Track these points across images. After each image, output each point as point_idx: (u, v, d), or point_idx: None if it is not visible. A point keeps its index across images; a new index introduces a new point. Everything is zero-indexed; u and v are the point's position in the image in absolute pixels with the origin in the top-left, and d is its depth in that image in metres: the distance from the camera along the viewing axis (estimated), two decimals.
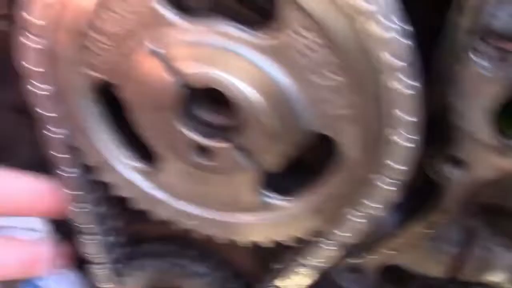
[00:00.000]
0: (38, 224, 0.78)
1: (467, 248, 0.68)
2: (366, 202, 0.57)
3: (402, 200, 0.69)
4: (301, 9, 0.47)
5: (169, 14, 0.50)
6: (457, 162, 0.59)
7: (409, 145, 0.53)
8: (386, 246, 0.69)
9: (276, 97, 0.52)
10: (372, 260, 0.70)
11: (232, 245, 0.73)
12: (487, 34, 0.52)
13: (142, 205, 0.65)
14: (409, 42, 0.48)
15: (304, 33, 0.48)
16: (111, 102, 0.59)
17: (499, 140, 0.56)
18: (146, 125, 0.58)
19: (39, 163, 0.74)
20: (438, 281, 0.76)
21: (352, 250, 0.71)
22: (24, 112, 0.69)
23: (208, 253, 0.76)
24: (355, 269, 0.72)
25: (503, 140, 0.56)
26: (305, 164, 0.63)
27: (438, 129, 0.59)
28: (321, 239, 0.62)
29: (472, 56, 0.53)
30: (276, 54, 0.50)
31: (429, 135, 0.63)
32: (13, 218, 0.77)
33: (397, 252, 0.69)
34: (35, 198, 0.67)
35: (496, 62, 0.53)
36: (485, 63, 0.53)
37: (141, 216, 0.73)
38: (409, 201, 0.69)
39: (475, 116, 0.56)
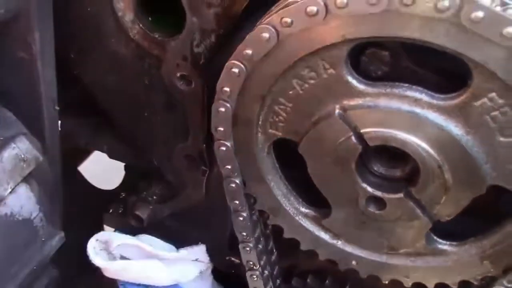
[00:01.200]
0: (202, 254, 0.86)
1: None
2: None
3: None
4: (492, 74, 0.48)
5: (356, 82, 0.54)
6: None
7: None
8: None
9: (455, 154, 0.54)
10: None
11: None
12: None
13: (308, 246, 0.70)
14: None
15: (497, 99, 0.49)
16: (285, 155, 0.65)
17: None
18: (322, 176, 0.62)
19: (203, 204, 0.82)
20: None
21: None
22: (194, 160, 0.77)
23: None
24: None
25: None
26: (475, 210, 0.64)
27: None
28: (490, 284, 0.63)
29: None
30: (461, 115, 0.52)
31: None
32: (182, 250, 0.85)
33: None
34: None
35: None
36: None
37: (294, 251, 0.77)
38: None
39: None
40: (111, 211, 0.91)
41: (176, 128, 0.76)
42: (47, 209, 0.72)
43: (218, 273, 0.98)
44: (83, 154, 1.27)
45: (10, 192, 0.65)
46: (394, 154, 0.59)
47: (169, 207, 0.85)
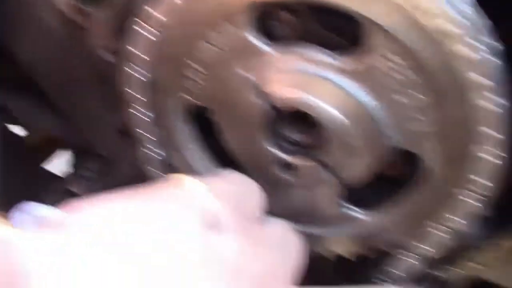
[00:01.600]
0: None
1: None
2: (449, 216, 0.58)
3: (492, 214, 0.68)
4: (389, 34, 0.49)
5: (260, 44, 0.55)
6: None
7: (496, 161, 0.53)
8: (473, 260, 0.68)
9: (361, 117, 0.55)
10: (458, 274, 0.70)
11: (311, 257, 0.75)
12: None
13: None
14: (498, 61, 0.49)
15: (391, 56, 0.51)
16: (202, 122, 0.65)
17: None
18: (235, 143, 0.62)
19: (137, 180, 0.81)
20: None
21: (437, 262, 0.71)
22: (126, 134, 0.77)
23: None
24: (439, 283, 0.72)
25: None
26: (387, 178, 0.64)
27: None
28: (402, 251, 0.63)
29: None
30: (362, 77, 0.53)
31: None
32: None
33: (485, 267, 0.68)
34: None
35: None
36: None
37: None
38: (500, 215, 0.68)
39: None
40: (50, 189, 0.91)
41: (108, 101, 0.76)
42: None
43: None
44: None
45: None
46: (305, 120, 0.60)
47: (104, 183, 0.85)
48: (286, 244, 0.55)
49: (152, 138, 0.66)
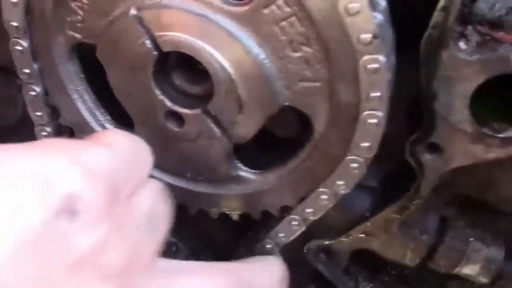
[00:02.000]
0: None
1: (439, 237, 0.67)
2: (334, 179, 0.57)
3: (376, 185, 0.69)
4: None
5: None
6: (433, 148, 0.58)
7: (378, 124, 0.52)
8: (357, 229, 0.68)
9: (247, 67, 0.52)
10: (344, 242, 0.70)
11: (209, 219, 0.73)
12: (472, 19, 0.52)
13: None
14: (387, 20, 0.48)
15: (284, 6, 0.48)
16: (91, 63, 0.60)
17: (474, 127, 0.55)
18: (121, 86, 0.58)
19: (21, 125, 0.75)
20: (413, 272, 0.75)
21: (326, 232, 0.71)
22: (8, 71, 0.71)
23: (181, 225, 0.76)
24: (328, 251, 0.72)
25: (478, 127, 0.55)
26: (277, 138, 0.63)
27: (419, 114, 0.58)
28: (287, 214, 0.62)
29: (454, 40, 0.52)
30: (252, 25, 0.50)
31: (411, 120, 0.63)
32: None
33: (368, 236, 0.69)
34: None
35: (477, 47, 0.52)
36: (466, 47, 0.52)
37: None
38: (384, 186, 0.69)
39: (452, 101, 0.55)
40: None
41: None
42: None
43: None
44: None
45: None
46: (195, 69, 0.57)
47: None
48: (154, 217, 0.50)
49: (29, 72, 0.60)
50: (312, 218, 0.60)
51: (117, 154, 0.47)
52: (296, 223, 0.62)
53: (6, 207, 0.38)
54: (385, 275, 0.76)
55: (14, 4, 0.55)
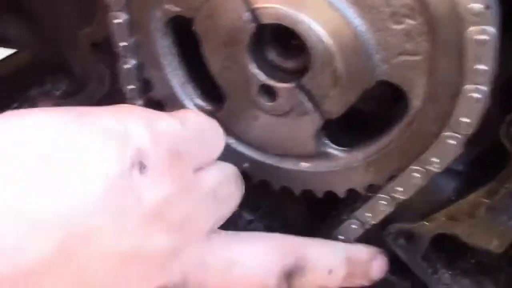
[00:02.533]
0: None
1: None
2: (427, 157, 0.56)
3: (463, 168, 0.67)
4: None
5: None
6: None
7: (481, 99, 0.51)
8: (441, 213, 0.67)
9: (346, 39, 0.52)
10: (426, 227, 0.69)
11: (286, 197, 0.73)
12: None
13: None
14: None
15: None
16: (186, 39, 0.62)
17: None
18: (216, 60, 0.59)
19: (107, 99, 0.78)
20: (492, 261, 0.73)
21: (408, 215, 0.70)
22: (99, 48, 0.73)
23: (258, 202, 0.77)
24: (408, 236, 0.71)
25: None
26: (367, 114, 0.62)
27: None
28: (374, 193, 0.62)
29: None
30: None
31: (507, 99, 0.61)
32: None
33: (452, 221, 0.67)
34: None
35: None
36: None
37: None
38: (472, 169, 0.67)
39: None
40: (15, 106, 0.86)
41: (83, 11, 0.71)
42: None
43: None
44: None
45: None
46: (290, 44, 0.57)
47: (71, 102, 0.80)
48: (219, 194, 0.54)
49: (126, 45, 0.62)
50: (401, 197, 0.60)
51: (187, 127, 0.52)
52: (385, 202, 0.61)
53: (92, 156, 0.42)
54: (464, 263, 0.74)
55: None
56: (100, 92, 0.77)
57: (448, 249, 0.73)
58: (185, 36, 0.61)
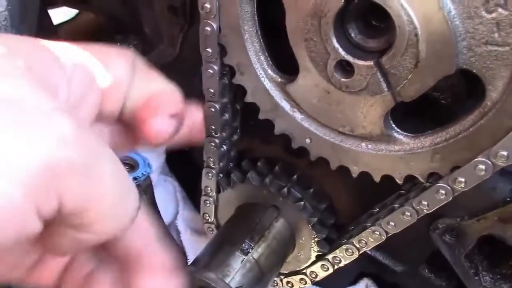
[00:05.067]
0: None
1: None
2: (497, 150, 0.56)
3: None
4: None
5: None
6: None
7: None
8: (495, 213, 0.67)
9: (435, 23, 0.53)
10: (475, 225, 0.69)
11: (337, 181, 0.74)
12: None
13: (267, 115, 0.68)
14: None
15: None
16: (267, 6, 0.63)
17: None
18: (298, 31, 0.60)
19: (174, 63, 0.79)
20: None
21: (458, 211, 0.70)
22: (176, 11, 0.75)
23: (310, 182, 0.78)
24: (455, 233, 0.71)
25: None
26: (437, 101, 0.63)
27: None
28: (434, 182, 0.62)
29: None
30: None
31: None
32: None
33: (504, 223, 0.67)
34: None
35: None
36: None
37: (256, 133, 0.76)
38: None
39: None
40: None
41: None
42: (14, 13, 0.69)
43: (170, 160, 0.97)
44: None
45: None
46: (373, 25, 0.58)
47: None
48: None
49: (211, 10, 0.63)
50: (462, 188, 0.60)
51: None
52: (444, 192, 0.61)
53: None
54: (506, 268, 0.74)
55: None
56: (169, 55, 0.79)
57: (492, 252, 0.74)
58: (267, 4, 0.62)
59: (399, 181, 0.64)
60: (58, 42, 0.48)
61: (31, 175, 0.36)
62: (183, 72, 0.79)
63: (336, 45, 0.58)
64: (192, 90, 0.76)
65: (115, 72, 0.51)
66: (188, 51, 0.77)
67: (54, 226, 0.40)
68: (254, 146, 0.81)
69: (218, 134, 0.73)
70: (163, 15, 0.76)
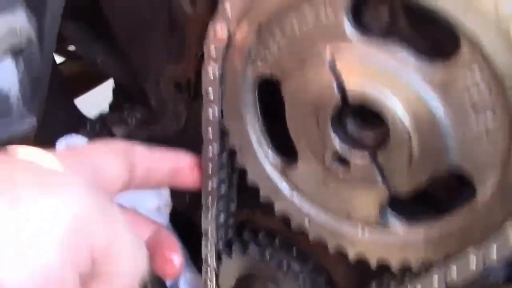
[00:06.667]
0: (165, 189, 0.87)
1: None
2: (489, 246, 0.57)
3: None
4: (483, 49, 0.49)
5: (351, 30, 0.55)
6: None
7: None
8: None
9: (428, 127, 0.55)
10: None
11: (335, 255, 0.76)
12: None
13: (265, 193, 0.70)
14: None
15: (477, 72, 0.50)
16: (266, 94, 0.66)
17: None
18: (296, 122, 0.63)
19: (179, 136, 0.82)
20: None
21: None
22: (181, 87, 0.78)
23: (309, 255, 0.79)
24: None
25: None
26: (431, 194, 0.64)
27: None
28: (428, 271, 0.63)
29: None
30: (442, 87, 0.53)
31: None
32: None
33: None
34: (175, 173, 0.69)
35: None
36: None
37: (254, 204, 0.78)
38: None
39: None
40: (88, 125, 0.91)
41: (172, 52, 0.77)
42: (27, 92, 0.72)
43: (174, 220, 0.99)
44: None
45: None
46: (369, 117, 0.60)
47: (144, 132, 0.85)
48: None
49: (213, 95, 0.66)
50: (453, 278, 0.61)
51: None
52: (436, 280, 0.63)
53: None
54: None
55: (218, 31, 0.62)
56: (174, 127, 0.82)
57: None
58: (267, 92, 0.65)
59: (394, 267, 0.65)
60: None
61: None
62: (187, 145, 0.82)
63: (333, 138, 0.61)
64: None
65: (107, 173, 0.56)
66: (192, 126, 0.80)
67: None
68: (255, 217, 0.83)
69: (215, 206, 0.75)
70: (168, 91, 0.79)
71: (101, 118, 0.91)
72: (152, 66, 0.80)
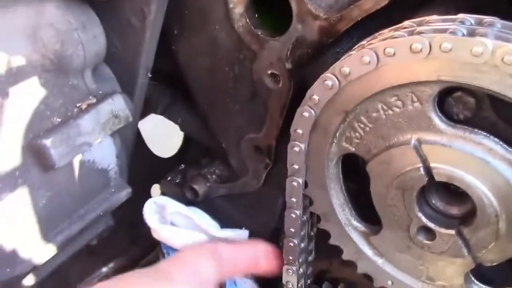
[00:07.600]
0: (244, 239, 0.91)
1: None
2: None
3: None
4: None
5: (437, 120, 0.58)
6: None
7: None
8: None
9: None
10: None
11: None
12: None
13: (350, 257, 0.74)
14: None
15: None
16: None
17: None
18: (381, 197, 0.66)
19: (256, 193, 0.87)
20: None
21: None
22: (260, 151, 0.83)
23: None
24: None
25: None
26: None
27: None
28: None
29: None
30: None
31: None
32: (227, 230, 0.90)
33: None
34: (256, 261, 0.81)
35: None
36: None
37: (334, 255, 0.82)
38: None
39: None
40: (169, 178, 0.97)
41: (252, 119, 0.81)
42: (123, 165, 0.79)
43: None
44: None
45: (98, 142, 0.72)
46: (454, 192, 0.63)
47: (224, 188, 0.90)
48: None
49: (298, 167, 0.70)
50: None
51: None
52: None
53: None
54: None
55: (305, 116, 0.66)
56: (253, 186, 0.86)
57: None
58: (349, 165, 0.69)
59: None
60: None
61: None
62: (265, 202, 0.87)
63: (419, 213, 0.64)
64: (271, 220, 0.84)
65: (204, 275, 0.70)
66: (271, 185, 0.85)
67: None
68: (332, 267, 0.87)
69: (296, 262, 0.80)
70: (248, 153, 0.83)
71: (181, 172, 0.96)
72: (232, 130, 0.85)
